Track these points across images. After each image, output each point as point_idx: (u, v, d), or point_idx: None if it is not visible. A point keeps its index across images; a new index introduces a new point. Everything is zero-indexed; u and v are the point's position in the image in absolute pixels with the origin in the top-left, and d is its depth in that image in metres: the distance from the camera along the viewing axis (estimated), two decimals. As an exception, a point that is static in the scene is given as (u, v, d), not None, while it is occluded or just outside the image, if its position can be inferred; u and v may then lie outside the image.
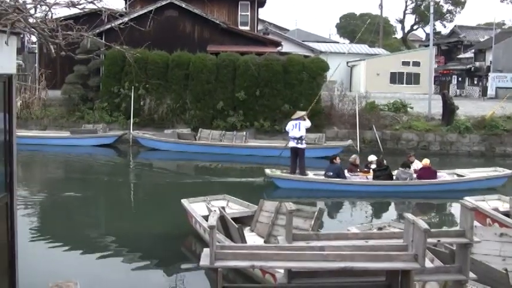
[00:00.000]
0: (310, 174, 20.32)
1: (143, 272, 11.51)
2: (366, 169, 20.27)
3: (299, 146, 20.28)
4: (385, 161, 20.19)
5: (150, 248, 13.01)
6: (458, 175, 20.70)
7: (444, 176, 20.23)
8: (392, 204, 19.34)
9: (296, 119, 20.77)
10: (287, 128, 20.96)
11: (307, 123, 20.72)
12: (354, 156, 21.17)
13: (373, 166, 20.08)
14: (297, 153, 20.43)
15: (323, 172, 19.97)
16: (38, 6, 6.39)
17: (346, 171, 19.79)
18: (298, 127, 20.36)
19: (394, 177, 19.59)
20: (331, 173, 19.47)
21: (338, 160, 20.04)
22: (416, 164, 20.47)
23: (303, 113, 22.08)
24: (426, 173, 19.68)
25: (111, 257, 12.21)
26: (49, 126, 31.52)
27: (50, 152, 27.80)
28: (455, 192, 18.49)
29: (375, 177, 19.49)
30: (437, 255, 8.38)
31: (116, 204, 18.06)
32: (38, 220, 15.49)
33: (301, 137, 20.29)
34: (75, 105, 32.09)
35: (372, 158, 21.04)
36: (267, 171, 20.65)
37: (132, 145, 29.68)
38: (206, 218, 11.40)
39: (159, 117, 31.06)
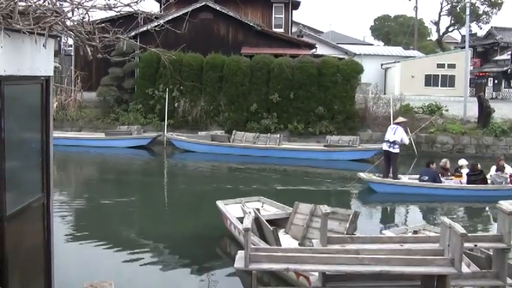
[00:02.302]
0: (404, 179, 20.40)
1: (177, 273, 11.57)
2: (457, 173, 20.26)
3: (391, 149, 20.18)
4: (479, 166, 20.05)
5: (185, 249, 13.05)
6: None
7: None
8: (487, 208, 19.08)
9: (396, 123, 20.84)
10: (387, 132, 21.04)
11: (404, 134, 20.62)
12: (444, 160, 21.14)
13: (464, 170, 20.11)
14: (389, 157, 20.40)
15: (417, 176, 20.08)
16: (76, 9, 6.44)
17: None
18: (394, 131, 20.33)
19: (488, 182, 19.54)
20: (427, 178, 19.43)
21: (434, 165, 20.06)
22: (508, 169, 20.24)
23: (405, 119, 22.39)
24: None
25: (146, 257, 12.27)
26: (84, 127, 31.83)
27: (85, 153, 28.12)
28: None
29: (469, 182, 19.47)
30: (474, 260, 8.28)
31: (151, 206, 18.15)
32: (73, 221, 15.64)
33: (394, 141, 20.12)
34: (110, 107, 32.37)
35: (463, 162, 20.97)
36: (362, 175, 20.68)
37: (166, 147, 29.83)
38: (241, 219, 11.43)
39: (193, 119, 31.17)
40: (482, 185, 19.25)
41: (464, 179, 19.69)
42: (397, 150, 20.21)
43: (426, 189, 19.21)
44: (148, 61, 31.56)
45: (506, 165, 20.31)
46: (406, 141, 21.13)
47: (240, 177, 24.30)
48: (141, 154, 28.69)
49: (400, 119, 21.54)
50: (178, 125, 31.22)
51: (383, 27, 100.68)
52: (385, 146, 20.45)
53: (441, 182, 19.50)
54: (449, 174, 20.22)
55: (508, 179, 19.38)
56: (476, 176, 19.40)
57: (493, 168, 20.35)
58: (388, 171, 20.39)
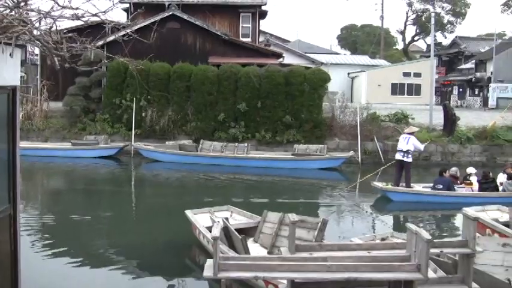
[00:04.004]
0: (418, 187, 20.66)
1: (147, 283, 11.51)
2: (467, 181, 20.56)
3: (405, 159, 20.44)
4: (491, 174, 20.44)
5: (154, 259, 13.00)
6: None
7: None
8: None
9: (407, 134, 21.03)
10: (399, 141, 21.28)
11: (418, 142, 21.00)
12: (454, 168, 21.47)
13: (472, 178, 20.49)
14: (402, 166, 20.63)
15: (430, 185, 20.36)
16: (43, 18, 6.43)
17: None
18: (406, 140, 20.58)
19: (500, 189, 19.84)
20: (441, 186, 19.71)
21: (448, 174, 20.31)
22: (504, 177, 20.61)
23: (416, 129, 22.72)
24: None
25: (114, 268, 12.21)
26: (51, 137, 31.53)
27: (51, 164, 27.86)
28: None
29: (481, 189, 19.76)
30: (440, 266, 8.39)
31: (119, 216, 18.04)
32: (41, 232, 15.46)
33: (408, 150, 20.40)
34: (76, 116, 32.14)
35: (471, 170, 21.34)
36: (379, 184, 20.87)
37: (134, 157, 29.71)
38: (210, 229, 11.44)
39: (161, 129, 31.09)
40: (495, 193, 19.59)
41: (475, 186, 20.09)
42: (410, 160, 20.62)
43: (441, 197, 19.47)
44: (116, 70, 31.43)
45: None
46: (421, 147, 21.64)
47: (208, 186, 24.29)
48: (109, 164, 28.52)
49: (412, 129, 21.88)
50: (146, 134, 31.11)
51: (350, 37, 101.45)
52: (398, 156, 20.71)
53: (455, 190, 19.84)
54: (458, 182, 20.55)
55: None
56: (489, 184, 19.80)
57: (501, 175, 20.80)
58: (399, 180, 20.68)
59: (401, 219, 19.06)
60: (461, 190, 20.07)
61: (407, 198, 20.10)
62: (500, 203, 17.96)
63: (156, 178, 26.31)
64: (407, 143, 20.48)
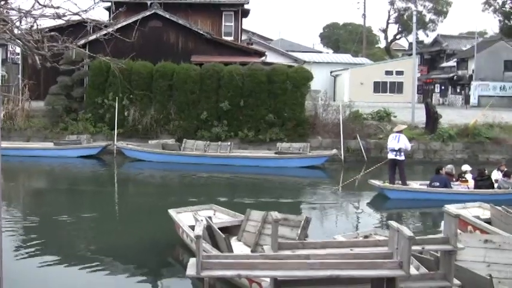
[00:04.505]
0: (414, 185, 20.88)
1: (130, 282, 11.48)
2: (463, 179, 20.76)
3: (397, 157, 20.70)
4: (486, 171, 20.70)
5: (137, 258, 12.98)
6: None
7: None
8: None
9: (397, 132, 21.24)
10: (388, 141, 21.44)
11: (407, 141, 21.27)
12: (450, 166, 21.51)
13: (468, 176, 20.73)
14: (394, 165, 20.84)
15: (427, 182, 20.58)
16: (24, 17, 6.40)
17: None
18: (397, 139, 20.80)
19: (495, 186, 20.12)
20: (438, 184, 19.87)
21: (444, 171, 20.45)
22: (498, 174, 21.00)
23: (404, 126, 23.11)
24: None
25: (97, 268, 12.16)
26: (32, 137, 31.33)
27: (33, 164, 27.67)
28: None
29: (477, 187, 20.00)
30: (423, 262, 8.44)
31: (102, 216, 17.94)
32: (23, 234, 15.34)
33: (399, 149, 20.62)
34: (58, 116, 31.96)
35: (466, 167, 21.60)
36: (377, 182, 21.03)
37: (117, 156, 29.59)
38: (193, 228, 11.43)
39: (143, 128, 31.01)
40: (491, 190, 19.82)
41: (471, 183, 20.31)
42: (403, 158, 20.87)
43: (438, 194, 19.53)
44: (98, 70, 31.31)
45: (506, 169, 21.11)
46: (409, 146, 21.82)
47: (191, 185, 24.27)
48: (91, 164, 28.39)
49: (401, 127, 22.14)
50: (129, 134, 31.02)
51: (332, 35, 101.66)
52: (390, 155, 20.89)
53: (451, 188, 20.03)
54: (454, 179, 20.68)
55: None
56: (484, 181, 20.05)
57: (495, 172, 21.09)
58: (393, 178, 20.86)
59: (385, 217, 19.13)
60: (457, 187, 20.26)
61: (404, 196, 20.26)
62: (496, 200, 18.24)
63: (139, 177, 26.24)
64: (399, 142, 20.69)
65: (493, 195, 19.44)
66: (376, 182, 21.06)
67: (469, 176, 20.77)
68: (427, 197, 19.81)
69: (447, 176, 20.40)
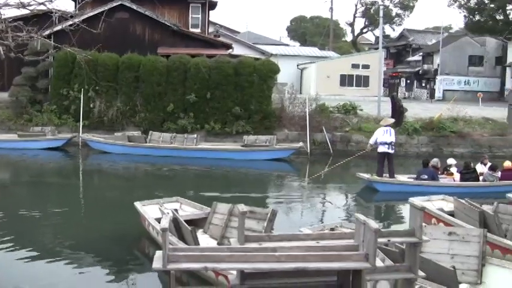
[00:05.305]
0: (402, 178, 21.14)
1: (95, 275, 11.41)
2: (448, 172, 21.07)
3: (390, 150, 20.95)
4: (472, 164, 21.03)
5: (103, 251, 12.89)
6: None
7: None
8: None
9: (386, 126, 21.46)
10: (375, 134, 21.55)
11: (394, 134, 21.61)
12: (435, 159, 21.69)
13: (452, 169, 21.05)
14: (384, 158, 21.05)
15: (414, 175, 20.86)
16: (-13, 7, 6.30)
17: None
18: (389, 133, 21.08)
19: (480, 179, 20.53)
20: (426, 177, 20.10)
21: (431, 164, 20.71)
22: (481, 167, 21.55)
23: (392, 120, 23.28)
24: (509, 174, 20.52)
25: (62, 262, 12.04)
26: (-4, 129, 30.93)
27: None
28: None
29: (463, 180, 20.32)
30: (388, 255, 8.50)
31: (67, 209, 17.71)
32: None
33: (391, 142, 20.93)
34: (23, 107, 31.55)
35: (451, 161, 21.89)
36: (365, 175, 21.26)
37: (82, 148, 29.33)
38: (159, 220, 11.39)
39: (109, 120, 30.80)
40: (478, 183, 20.29)
41: (456, 176, 20.64)
42: (393, 151, 21.22)
43: (426, 187, 19.63)
44: (63, 61, 31.00)
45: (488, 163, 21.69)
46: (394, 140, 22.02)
47: (157, 178, 24.19)
48: (56, 156, 28.11)
49: (389, 120, 22.51)
50: (94, 125, 30.77)
51: (299, 28, 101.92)
52: (383, 148, 21.04)
53: (438, 180, 20.29)
54: (439, 172, 20.89)
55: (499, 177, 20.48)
56: (470, 174, 20.42)
57: (479, 166, 21.57)
58: (382, 171, 21.08)
59: (351, 209, 19.25)
60: (442, 180, 20.53)
61: (393, 189, 20.48)
62: (483, 193, 18.67)
63: (105, 170, 26.03)
64: (391, 135, 21.05)
65: (481, 187, 19.98)
66: (365, 175, 21.31)
67: (454, 169, 21.10)
68: (415, 189, 19.82)
69: (433, 169, 20.69)
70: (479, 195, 19.02)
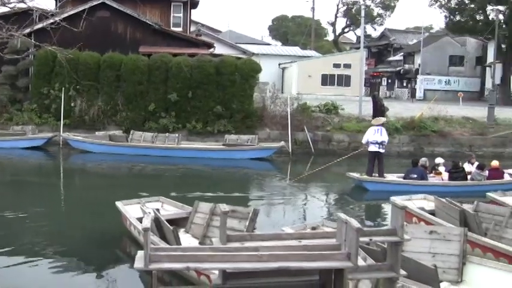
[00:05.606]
0: (392, 177, 21.21)
1: (77, 276, 11.34)
2: (436, 171, 21.18)
3: (381, 150, 20.99)
4: (460, 163, 21.21)
5: (84, 251, 12.82)
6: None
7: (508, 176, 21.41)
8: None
9: (377, 125, 21.41)
10: (367, 134, 21.53)
11: (386, 134, 21.68)
12: (424, 159, 21.77)
13: (441, 168, 21.19)
14: (375, 157, 21.08)
15: (402, 175, 20.97)
16: (-33, 5, 6.24)
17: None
18: (380, 132, 21.06)
19: (469, 178, 20.72)
20: (416, 176, 20.20)
21: (420, 163, 20.77)
22: (469, 166, 21.71)
23: (384, 119, 23.31)
24: (496, 173, 20.85)
25: (43, 262, 11.96)
26: (-25, 128, 30.66)
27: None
28: None
29: (451, 179, 20.48)
30: (370, 254, 8.53)
31: (48, 209, 17.60)
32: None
33: (382, 142, 20.96)
34: (2, 106, 31.30)
35: (439, 160, 22.05)
36: (355, 175, 21.33)
37: (63, 147, 29.17)
38: (141, 220, 11.34)
39: (90, 119, 30.65)
40: (468, 182, 20.49)
41: (445, 175, 20.78)
42: (384, 150, 21.30)
43: (416, 186, 19.66)
44: (44, 59, 30.80)
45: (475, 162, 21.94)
46: (387, 139, 22.03)
47: (139, 177, 24.12)
48: (36, 155, 27.92)
49: (381, 120, 22.41)
50: (75, 125, 30.60)
51: (281, 27, 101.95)
52: (373, 147, 21.06)
53: (427, 180, 20.43)
54: (428, 172, 20.98)
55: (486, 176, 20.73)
56: (459, 173, 20.56)
57: (466, 165, 21.69)
58: (372, 170, 21.12)
59: (335, 208, 19.28)
60: (431, 179, 20.69)
61: (384, 188, 20.42)
62: (468, 192, 18.76)
63: (86, 169, 25.92)
64: (382, 135, 21.06)
65: (468, 186, 20.17)
66: (355, 175, 21.39)
67: (442, 169, 21.25)
68: (405, 189, 19.80)
69: (422, 168, 20.82)
70: (468, 194, 19.17)
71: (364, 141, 21.69)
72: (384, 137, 21.09)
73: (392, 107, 34.15)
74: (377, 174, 21.09)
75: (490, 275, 9.81)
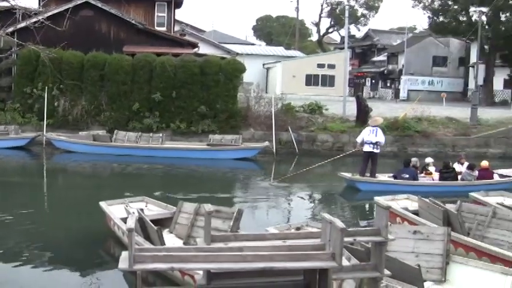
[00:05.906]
0: (383, 177, 21.30)
1: (60, 277, 11.30)
2: (427, 171, 21.24)
3: (375, 150, 21.02)
4: (451, 163, 21.35)
5: (68, 252, 12.76)
6: (501, 175, 22.05)
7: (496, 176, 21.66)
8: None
9: (374, 126, 21.44)
10: (362, 133, 21.58)
11: (383, 135, 21.72)
12: (414, 159, 21.93)
13: (431, 168, 21.28)
14: (369, 158, 21.13)
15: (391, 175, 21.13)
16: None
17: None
18: (375, 133, 21.09)
19: (459, 178, 20.86)
20: (407, 176, 20.29)
21: (412, 164, 20.90)
22: (459, 166, 21.89)
23: (381, 120, 23.33)
24: (486, 173, 21.03)
25: (27, 263, 11.89)
26: (-42, 128, 30.41)
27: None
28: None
29: (442, 179, 20.62)
30: (354, 254, 8.55)
31: (31, 209, 17.45)
32: None
33: (377, 142, 20.98)
34: (-15, 106, 31.16)
35: (429, 160, 22.15)
36: (347, 175, 21.41)
37: (46, 147, 28.99)
38: (125, 220, 11.30)
39: (74, 119, 30.53)
40: (459, 182, 20.63)
41: (435, 175, 20.91)
42: (378, 151, 21.26)
43: (408, 186, 19.69)
44: (27, 58, 30.63)
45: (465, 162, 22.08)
46: (383, 140, 22.02)
47: (122, 177, 24.03)
48: (19, 155, 27.74)
49: (377, 120, 22.46)
50: (59, 124, 30.46)
51: (265, 28, 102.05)
52: (367, 148, 21.10)
53: (418, 180, 20.55)
54: (418, 172, 21.05)
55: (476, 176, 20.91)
56: (449, 173, 20.72)
57: (456, 165, 21.83)
58: (365, 170, 21.16)
59: (315, 209, 19.29)
60: (422, 179, 20.79)
61: (376, 188, 20.40)
62: (458, 191, 18.85)
63: (70, 169, 25.80)
64: (377, 135, 21.10)
65: (459, 186, 20.26)
66: (347, 175, 21.47)
67: (432, 169, 21.36)
68: (397, 189, 19.82)
69: (413, 169, 20.92)
70: (459, 194, 19.25)
71: (359, 140, 21.74)
72: (379, 137, 21.12)
73: (376, 108, 34.31)
74: (368, 174, 21.16)
75: (473, 274, 9.87)
